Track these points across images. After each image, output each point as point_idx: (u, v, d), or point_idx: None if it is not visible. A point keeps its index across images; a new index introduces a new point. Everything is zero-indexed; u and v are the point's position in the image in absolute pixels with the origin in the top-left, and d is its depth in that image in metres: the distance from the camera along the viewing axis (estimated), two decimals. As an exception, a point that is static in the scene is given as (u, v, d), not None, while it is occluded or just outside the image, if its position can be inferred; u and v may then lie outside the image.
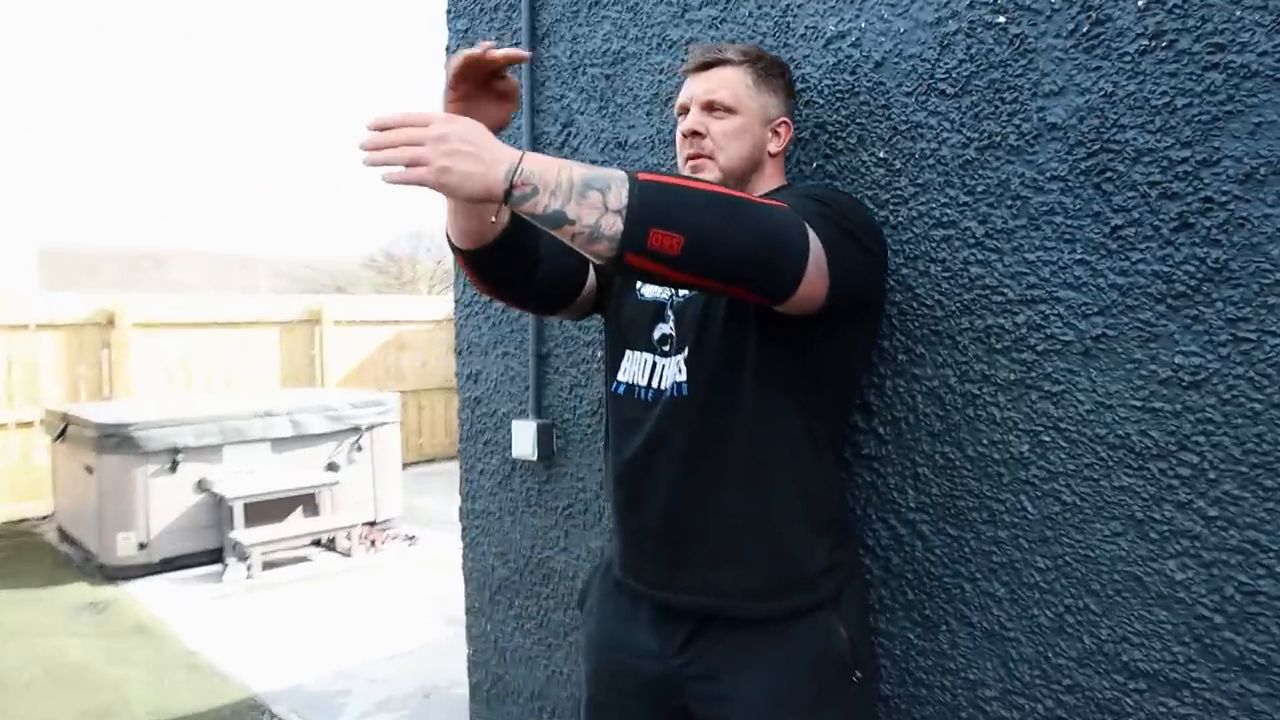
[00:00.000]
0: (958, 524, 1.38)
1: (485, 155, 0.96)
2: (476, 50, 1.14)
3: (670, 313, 1.35)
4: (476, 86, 1.19)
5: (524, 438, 2.04)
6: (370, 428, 6.05)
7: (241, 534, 5.13)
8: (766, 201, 1.08)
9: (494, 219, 1.11)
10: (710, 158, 1.33)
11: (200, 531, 5.28)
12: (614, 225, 0.98)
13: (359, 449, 6.00)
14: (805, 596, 1.26)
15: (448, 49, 2.25)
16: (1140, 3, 1.15)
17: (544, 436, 2.02)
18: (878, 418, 1.46)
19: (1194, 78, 1.11)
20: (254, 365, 7.89)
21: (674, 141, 1.74)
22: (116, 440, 5.00)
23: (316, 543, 5.66)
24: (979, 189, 1.32)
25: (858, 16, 1.44)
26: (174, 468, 5.18)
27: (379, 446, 6.12)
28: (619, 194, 0.98)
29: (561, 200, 0.98)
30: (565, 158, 1.96)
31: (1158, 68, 1.14)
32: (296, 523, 5.52)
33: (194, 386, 7.49)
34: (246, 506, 5.23)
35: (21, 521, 6.67)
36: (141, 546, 5.08)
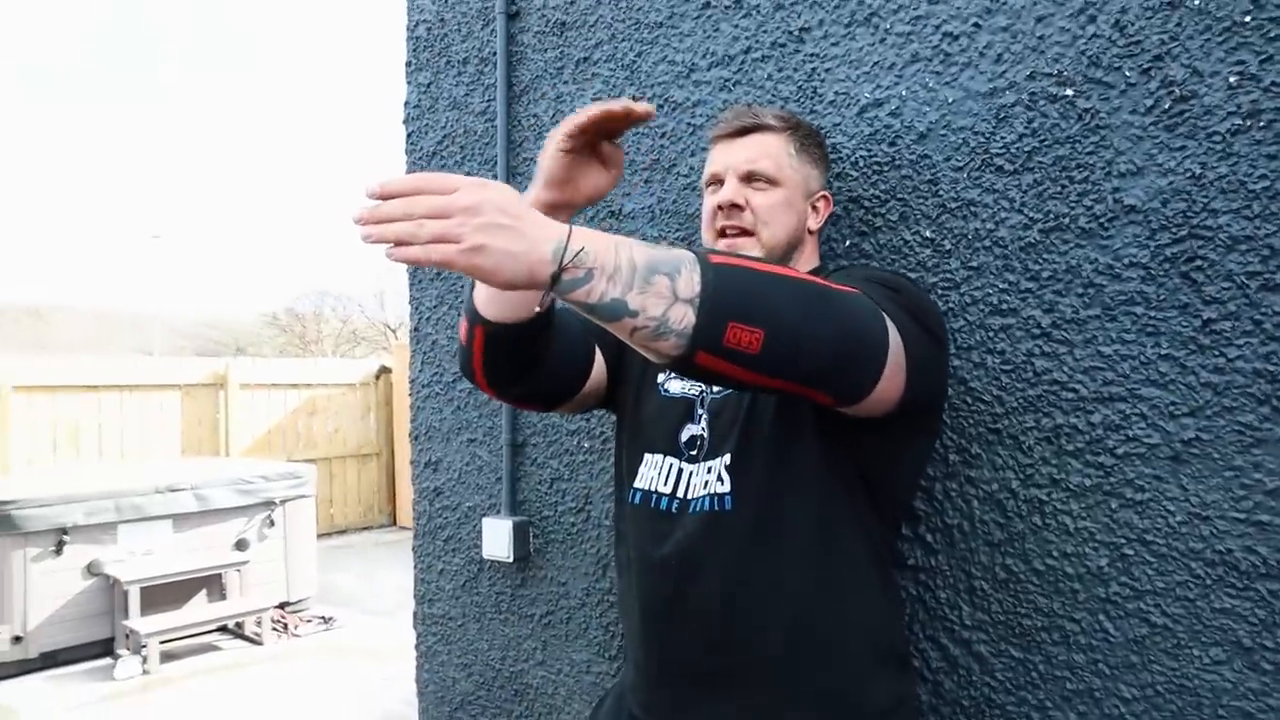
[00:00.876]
0: (1023, 645, 1.22)
1: (528, 231, 0.77)
2: (617, 106, 1.02)
3: (702, 411, 1.18)
4: (589, 146, 1.08)
5: (497, 536, 1.80)
6: (284, 501, 5.61)
7: (137, 622, 4.61)
8: (845, 288, 0.92)
9: (538, 307, 0.91)
10: (751, 234, 1.18)
11: (89, 621, 4.73)
12: (685, 318, 0.80)
13: (271, 524, 5.54)
14: None
15: (407, 104, 2.06)
16: (1231, 80, 1.06)
17: (520, 535, 1.79)
18: (925, 524, 1.31)
19: (1298, 161, 1.02)
20: (153, 433, 7.30)
21: (676, 212, 1.58)
22: (-8, 521, 4.45)
23: (223, 628, 5.15)
24: (1044, 274, 1.20)
25: (897, 84, 1.32)
26: (60, 549, 4.64)
27: (293, 521, 5.67)
28: (690, 280, 0.80)
29: (622, 287, 0.79)
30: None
31: (1254, 149, 1.04)
32: (200, 608, 5.02)
33: (84, 457, 6.86)
34: (144, 591, 4.72)
35: None
36: (16, 640, 4.50)
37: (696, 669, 1.12)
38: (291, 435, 8.29)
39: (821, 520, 1.07)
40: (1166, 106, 1.10)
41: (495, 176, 1.86)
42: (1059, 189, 1.18)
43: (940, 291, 1.28)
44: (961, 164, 1.26)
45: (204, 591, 5.12)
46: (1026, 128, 1.21)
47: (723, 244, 1.20)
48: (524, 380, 1.17)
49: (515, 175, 1.85)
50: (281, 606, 5.54)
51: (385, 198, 0.77)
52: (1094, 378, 1.16)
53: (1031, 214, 1.21)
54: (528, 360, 1.14)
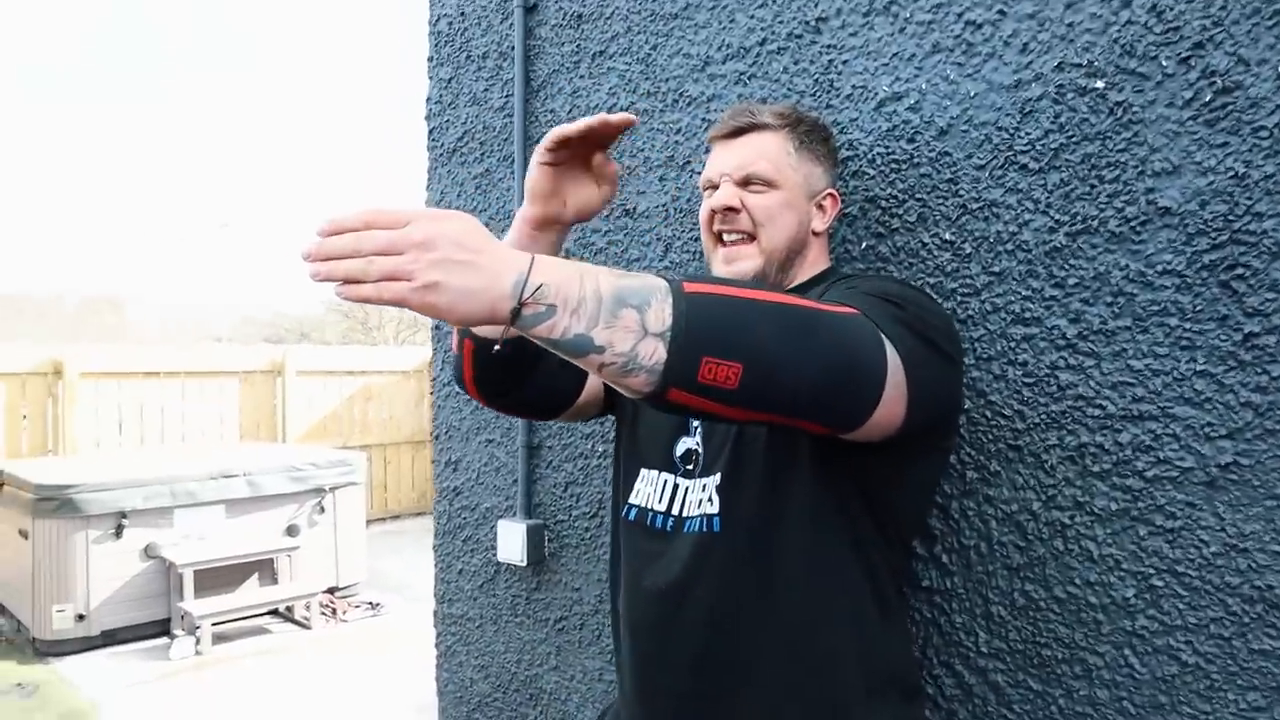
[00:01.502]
0: (1042, 677, 1.15)
1: (486, 265, 0.73)
2: (594, 121, 1.00)
3: (696, 424, 1.12)
4: (576, 158, 1.05)
5: (512, 540, 1.78)
6: (334, 489, 5.71)
7: (191, 604, 4.75)
8: (838, 309, 0.86)
9: (497, 347, 0.87)
10: (749, 238, 1.12)
11: (147, 601, 4.89)
12: (655, 353, 0.75)
13: (321, 511, 5.65)
14: None
15: (429, 100, 2.03)
16: None
17: (535, 539, 1.77)
18: (941, 544, 1.23)
19: (1353, 160, 0.92)
20: (212, 417, 7.51)
21: (690, 211, 1.53)
22: (56, 503, 4.63)
23: (274, 611, 5.28)
24: (1070, 281, 1.11)
25: (916, 76, 1.24)
26: (119, 533, 4.81)
27: (343, 508, 5.78)
28: (661, 311, 0.75)
29: (587, 321, 0.74)
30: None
31: (1304, 147, 0.95)
32: (251, 591, 5.15)
33: (148, 440, 7.09)
34: (197, 574, 4.86)
35: (-48, 585, 6.20)
36: (80, 619, 4.68)
37: (683, 694, 1.08)
38: (347, 421, 8.44)
39: (815, 544, 1.01)
40: (1207, 99, 1.01)
41: (513, 173, 1.83)
42: (1088, 189, 1.09)
43: (959, 298, 1.20)
44: (984, 162, 1.18)
45: (256, 575, 5.24)
46: (1053, 123, 1.12)
47: (721, 251, 1.14)
48: (516, 390, 1.14)
49: (532, 172, 1.81)
50: (331, 591, 5.65)
51: (334, 234, 0.73)
52: (1123, 394, 1.07)
53: (1058, 216, 1.12)
54: (518, 371, 1.11)
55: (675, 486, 1.12)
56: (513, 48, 1.82)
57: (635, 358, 0.75)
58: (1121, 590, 1.08)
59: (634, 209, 1.62)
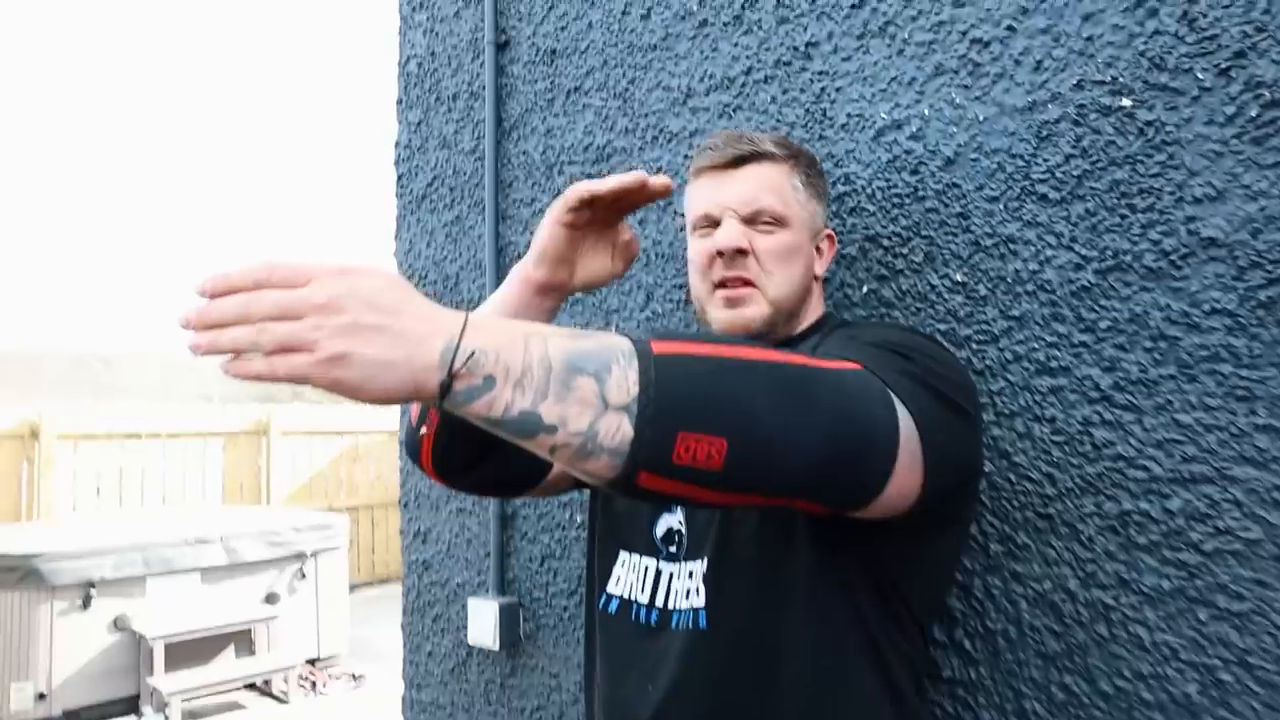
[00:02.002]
0: (1089, 786, 0.98)
1: (406, 328, 0.59)
2: (629, 180, 0.89)
3: None
4: (596, 221, 0.94)
5: (483, 620, 1.61)
6: (315, 553, 5.49)
7: (161, 680, 4.50)
8: (837, 365, 0.72)
9: (424, 430, 0.70)
10: (753, 286, 0.97)
11: (114, 677, 4.64)
12: (619, 431, 0.60)
13: (302, 577, 5.43)
14: None
15: (398, 144, 1.92)
16: (1338, 79, 0.84)
17: (508, 619, 1.60)
18: (963, 628, 1.07)
19: None
20: (195, 480, 7.31)
21: (673, 256, 1.40)
22: (19, 574, 4.41)
23: (250, 685, 5.02)
24: (1102, 325, 0.97)
25: (918, 101, 1.12)
26: (87, 603, 4.58)
27: (324, 574, 5.55)
28: (624, 379, 0.61)
29: (533, 395, 0.60)
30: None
31: (1373, 165, 0.82)
32: (227, 664, 4.91)
33: (127, 504, 6.88)
34: (170, 647, 4.62)
35: (-83, 660, 5.92)
36: (40, 698, 4.43)
37: None
38: (334, 482, 8.24)
39: (818, 639, 0.86)
40: (1253, 114, 0.88)
41: (483, 220, 1.70)
42: (1118, 220, 0.96)
43: (975, 346, 1.06)
44: (997, 193, 1.05)
45: (232, 646, 5.00)
46: (1075, 147, 0.99)
47: (720, 295, 0.99)
48: (479, 467, 0.98)
49: (505, 218, 1.68)
50: (311, 663, 5.40)
51: (219, 294, 0.59)
52: (1170, 453, 0.93)
53: (1084, 251, 0.99)
54: (483, 444, 0.95)
55: (659, 573, 0.97)
56: (484, 87, 1.72)
57: (594, 437, 0.60)
58: (1181, 685, 0.92)
59: (612, 254, 1.49)
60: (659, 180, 0.90)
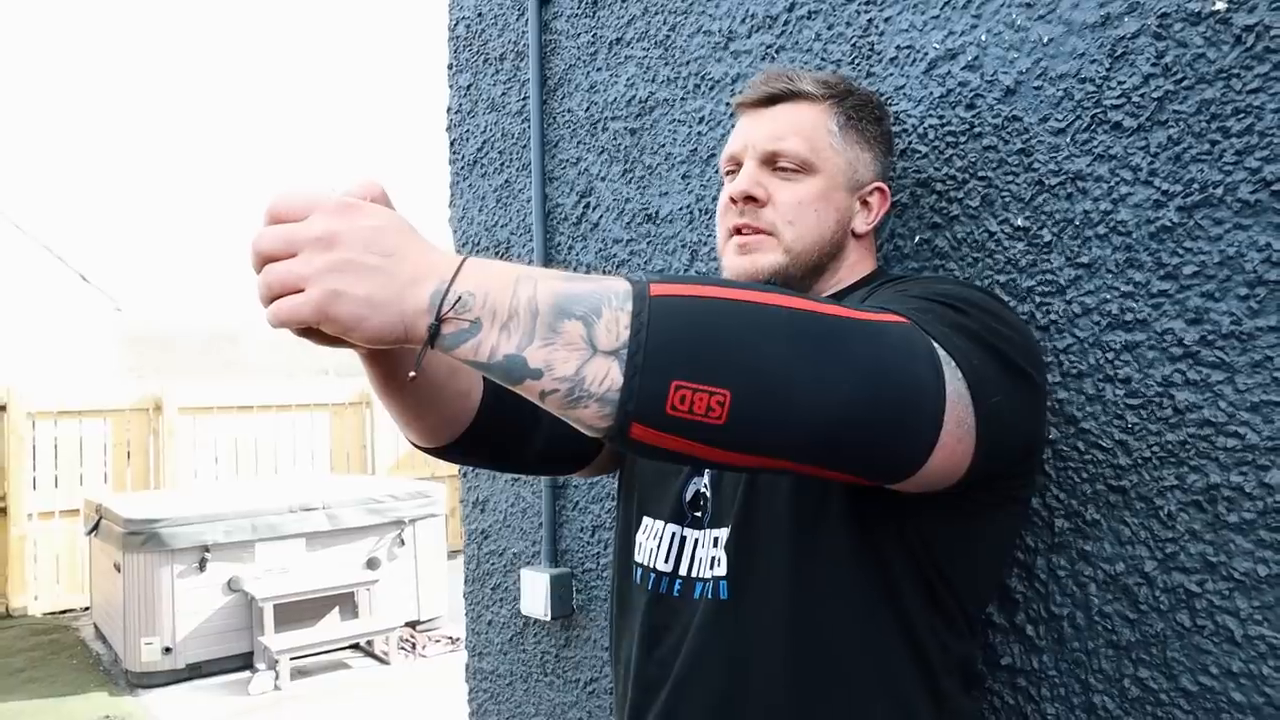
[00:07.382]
0: (1169, 794, 0.87)
1: (399, 270, 0.57)
2: None
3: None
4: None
5: (535, 591, 1.58)
6: (414, 521, 5.67)
7: (271, 639, 4.75)
8: (877, 316, 0.63)
9: (412, 373, 0.65)
10: (769, 234, 0.89)
11: (230, 635, 4.93)
12: (608, 377, 0.55)
13: (401, 543, 5.62)
14: None
15: (449, 110, 1.89)
16: None
17: (560, 590, 1.57)
18: (1025, 612, 0.97)
19: None
20: (304, 449, 7.66)
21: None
22: (143, 538, 4.71)
23: (354, 646, 5.24)
24: (1186, 271, 0.84)
25: (974, 26, 1.00)
26: (203, 566, 4.86)
27: (423, 540, 5.73)
28: (615, 322, 0.56)
29: (518, 339, 0.56)
30: (584, 235, 1.54)
31: None
32: (331, 626, 5.13)
33: (243, 472, 7.27)
34: (277, 608, 4.86)
35: (65, 612, 6.45)
36: (167, 651, 4.74)
37: None
38: (435, 452, 8.49)
39: (844, 629, 0.78)
40: (1375, 12, 0.74)
41: (531, 183, 1.65)
42: (1207, 147, 0.83)
43: (1038, 299, 0.95)
44: (1063, 124, 0.92)
45: (336, 609, 5.23)
46: (1155, 65, 0.86)
47: (734, 241, 0.91)
48: (517, 450, 0.95)
49: (551, 180, 1.63)
50: (411, 625, 5.59)
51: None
52: (1269, 418, 0.80)
53: (1165, 185, 0.85)
54: (510, 441, 0.92)
55: (682, 540, 0.91)
56: (529, 45, 1.66)
57: (582, 383, 0.56)
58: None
59: (656, 213, 1.42)
60: None
